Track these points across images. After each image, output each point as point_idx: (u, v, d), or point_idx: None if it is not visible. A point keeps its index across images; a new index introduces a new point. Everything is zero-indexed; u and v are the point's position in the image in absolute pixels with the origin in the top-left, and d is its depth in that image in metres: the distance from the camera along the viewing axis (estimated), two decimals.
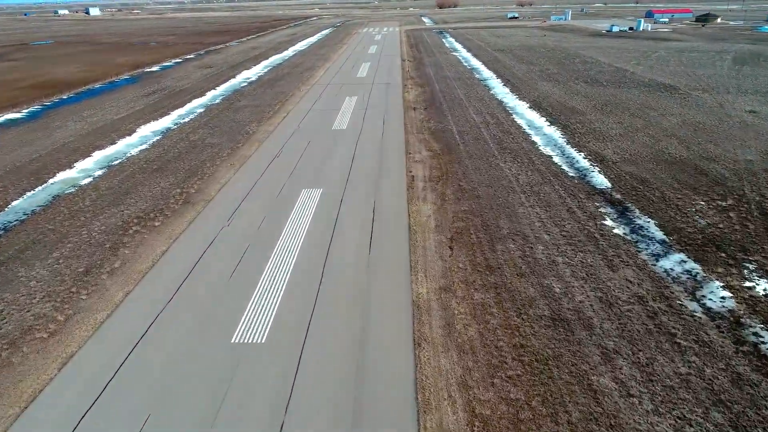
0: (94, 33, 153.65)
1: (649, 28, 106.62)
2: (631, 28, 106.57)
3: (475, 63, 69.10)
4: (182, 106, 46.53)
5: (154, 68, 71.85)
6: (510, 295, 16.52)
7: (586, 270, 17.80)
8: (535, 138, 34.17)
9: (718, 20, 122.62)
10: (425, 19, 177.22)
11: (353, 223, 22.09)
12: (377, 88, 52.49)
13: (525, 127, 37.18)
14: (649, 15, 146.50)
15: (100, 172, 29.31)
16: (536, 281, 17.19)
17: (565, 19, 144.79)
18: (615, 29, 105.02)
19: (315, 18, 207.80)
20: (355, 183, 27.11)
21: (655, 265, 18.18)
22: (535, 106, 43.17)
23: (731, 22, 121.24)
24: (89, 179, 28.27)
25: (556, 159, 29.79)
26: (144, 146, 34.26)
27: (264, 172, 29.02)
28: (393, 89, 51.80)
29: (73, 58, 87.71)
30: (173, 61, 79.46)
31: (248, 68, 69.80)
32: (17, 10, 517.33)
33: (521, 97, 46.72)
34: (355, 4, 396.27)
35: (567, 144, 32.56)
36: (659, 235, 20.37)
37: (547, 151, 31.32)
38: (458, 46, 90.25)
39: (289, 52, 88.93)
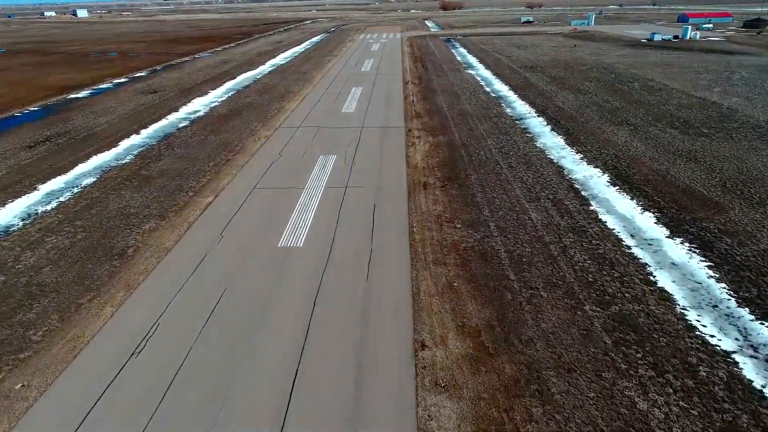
0: (61, 39, 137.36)
1: (698, 37, 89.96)
2: (676, 37, 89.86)
3: (501, 88, 52.41)
4: (65, 173, 30.01)
5: (83, 93, 55.35)
6: None
7: None
8: (665, 281, 17.52)
9: None
10: (429, 24, 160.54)
11: None
12: (368, 136, 35.84)
13: (625, 236, 20.57)
14: (683, 19, 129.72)
15: None
16: None
17: (588, 24, 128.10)
18: (658, 38, 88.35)
19: (309, 21, 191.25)
20: None
21: None
22: (620, 179, 26.56)
23: None
24: None
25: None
26: None
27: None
28: (392, 138, 35.16)
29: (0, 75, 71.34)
30: (115, 81, 62.92)
31: (203, 94, 53.24)
32: (16, 11, 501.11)
33: (589, 158, 30.11)
34: (354, 6, 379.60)
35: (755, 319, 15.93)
36: None
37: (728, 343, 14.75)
38: (473, 60, 73.58)
39: (266, 67, 72.35)
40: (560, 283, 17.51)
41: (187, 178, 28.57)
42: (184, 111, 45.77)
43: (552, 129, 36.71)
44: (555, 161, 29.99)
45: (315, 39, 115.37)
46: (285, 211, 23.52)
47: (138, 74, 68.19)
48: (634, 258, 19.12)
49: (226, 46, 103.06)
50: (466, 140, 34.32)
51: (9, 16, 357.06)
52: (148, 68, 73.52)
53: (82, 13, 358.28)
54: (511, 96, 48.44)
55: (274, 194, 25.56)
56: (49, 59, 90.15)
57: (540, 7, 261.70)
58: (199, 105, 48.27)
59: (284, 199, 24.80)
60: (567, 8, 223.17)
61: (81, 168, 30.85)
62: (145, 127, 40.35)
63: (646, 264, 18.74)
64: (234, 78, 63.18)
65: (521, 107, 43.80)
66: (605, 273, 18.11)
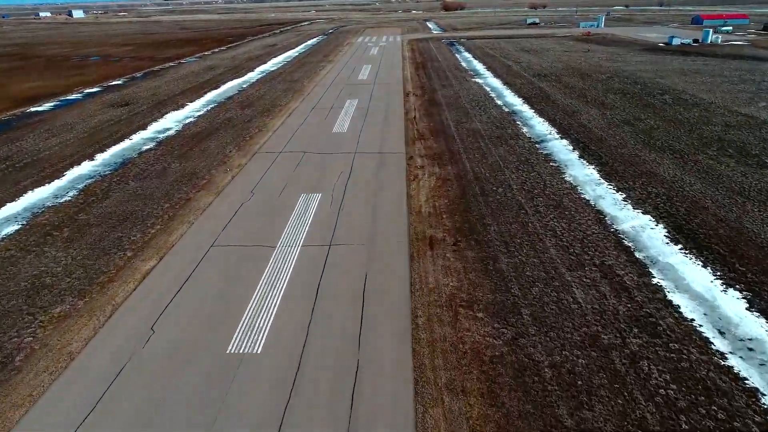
0: (47, 42, 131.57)
1: (719, 41, 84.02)
2: (696, 40, 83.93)
3: (514, 100, 46.52)
4: None
5: (45, 106, 49.49)
6: None
7: None
8: None
9: None
10: (431, 25, 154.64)
11: None
12: (362, 165, 29.94)
13: (712, 334, 14.70)
14: (697, 21, 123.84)
15: None
16: None
17: (598, 26, 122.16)
18: (676, 42, 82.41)
19: (306, 23, 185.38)
20: None
21: None
22: (682, 234, 20.60)
23: None
24: None
25: None
26: None
27: None
28: (390, 169, 29.26)
29: None
30: (87, 91, 57.07)
31: (179, 107, 47.40)
32: (14, 11, 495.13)
33: (634, 199, 24.19)
34: (354, 6, 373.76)
35: None
36: None
37: None
38: (479, 66, 67.69)
39: (255, 74, 66.50)
40: None
41: (132, 226, 22.67)
42: (153, 129, 39.91)
43: (581, 156, 30.81)
44: (592, 203, 24.10)
45: (311, 42, 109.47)
46: (245, 288, 17.61)
47: (114, 82, 62.34)
48: (737, 378, 13.23)
49: (216, 50, 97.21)
50: (480, 172, 28.41)
51: (3, 17, 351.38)
52: (127, 75, 67.68)
53: (78, 14, 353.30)
54: (527, 111, 42.55)
55: (233, 259, 19.60)
56: (26, 64, 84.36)
57: (544, 7, 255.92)
58: (171, 121, 42.42)
59: (246, 268, 18.85)
60: (572, 9, 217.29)
61: (6, 210, 24.98)
62: (102, 150, 34.49)
63: (757, 390, 12.87)
64: (217, 87, 57.31)
65: (540, 125, 37.90)
66: (702, 410, 12.22)
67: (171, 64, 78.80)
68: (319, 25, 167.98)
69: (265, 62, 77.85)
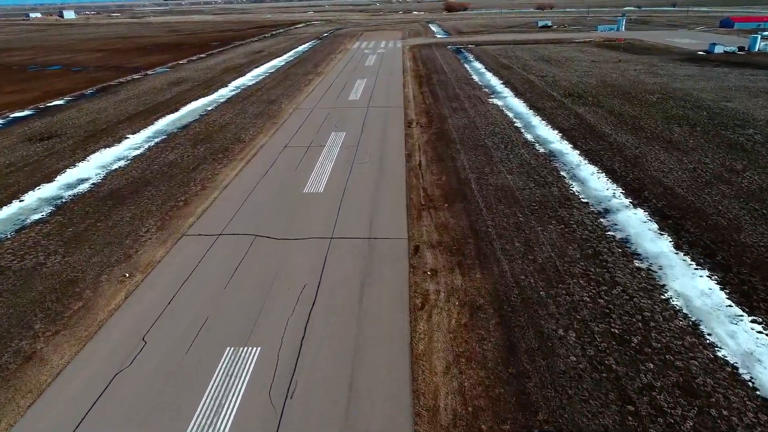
0: (15, 46, 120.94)
1: (766, 48, 73.04)
2: (741, 48, 72.94)
3: (548, 134, 35.62)
4: None
5: None
6: None
7: None
8: None
9: None
10: (433, 28, 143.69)
11: None
12: (340, 263, 19.06)
13: None
14: (726, 24, 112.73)
15: None
16: None
17: (618, 29, 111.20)
18: (719, 50, 71.43)
19: (302, 25, 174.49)
20: None
21: None
22: None
23: None
24: None
25: None
26: None
27: None
28: (383, 280, 18.26)
29: None
30: (13, 115, 46.29)
31: (114, 143, 36.62)
32: (9, 11, 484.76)
33: None
34: (354, 7, 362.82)
35: None
36: None
37: None
38: (495, 80, 56.82)
39: (227, 91, 55.72)
40: None
41: None
42: (62, 181, 29.13)
43: (677, 246, 19.90)
44: (737, 368, 13.22)
45: (302, 48, 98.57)
46: None
47: (54, 102, 51.54)
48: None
49: (194, 58, 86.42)
50: (529, 286, 17.50)
51: None
52: (77, 92, 56.97)
53: (69, 15, 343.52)
54: (568, 151, 31.70)
55: None
56: None
57: (551, 8, 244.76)
58: (94, 166, 31.64)
59: None
60: (583, 10, 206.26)
61: None
62: None
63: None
64: (176, 110, 46.52)
65: (595, 180, 27.03)
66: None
67: (136, 76, 67.99)
68: (315, 28, 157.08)
69: (243, 74, 66.99)
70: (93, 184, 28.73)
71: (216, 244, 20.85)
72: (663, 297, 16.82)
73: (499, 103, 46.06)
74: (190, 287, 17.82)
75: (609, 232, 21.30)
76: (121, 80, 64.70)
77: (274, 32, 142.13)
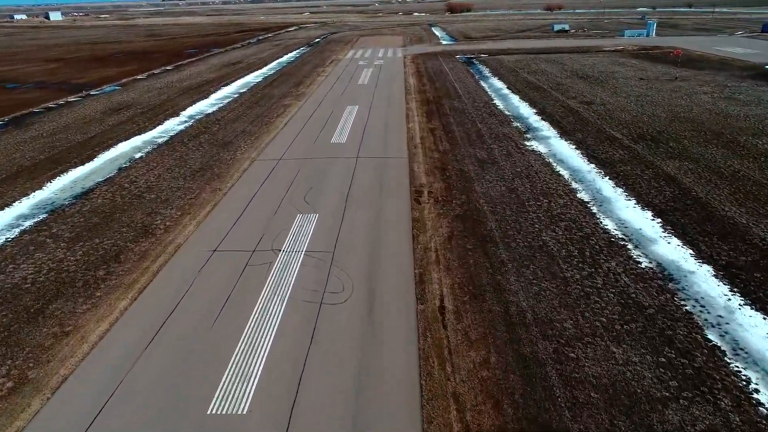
0: None
1: None
2: None
3: (639, 221, 22.16)
4: None
5: None
6: None
7: None
8: None
9: None
10: (437, 32, 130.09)
11: None
12: None
13: None
14: None
15: None
16: None
17: (648, 35, 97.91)
18: None
19: (294, 28, 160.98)
20: None
21: None
22: None
23: None
24: None
25: None
26: None
27: None
28: None
29: None
30: None
31: None
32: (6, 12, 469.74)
33: None
34: (353, 8, 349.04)
35: None
36: None
37: None
38: (526, 109, 43.45)
39: (172, 125, 42.29)
40: None
41: None
42: None
43: None
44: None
45: (287, 58, 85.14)
46: None
47: None
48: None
49: (158, 71, 73.00)
50: None
51: None
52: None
53: (56, 16, 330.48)
54: (694, 267, 18.31)
55: None
56: None
57: (560, 9, 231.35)
58: None
59: None
60: (596, 11, 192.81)
61: None
62: None
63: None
64: (89, 160, 33.19)
65: (752, 337, 13.67)
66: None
67: (72, 98, 54.58)
68: (307, 32, 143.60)
69: (206, 96, 53.61)
70: None
71: None
72: None
73: (542, 149, 32.72)
74: None
75: None
76: (50, 104, 51.35)
77: (260, 37, 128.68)
